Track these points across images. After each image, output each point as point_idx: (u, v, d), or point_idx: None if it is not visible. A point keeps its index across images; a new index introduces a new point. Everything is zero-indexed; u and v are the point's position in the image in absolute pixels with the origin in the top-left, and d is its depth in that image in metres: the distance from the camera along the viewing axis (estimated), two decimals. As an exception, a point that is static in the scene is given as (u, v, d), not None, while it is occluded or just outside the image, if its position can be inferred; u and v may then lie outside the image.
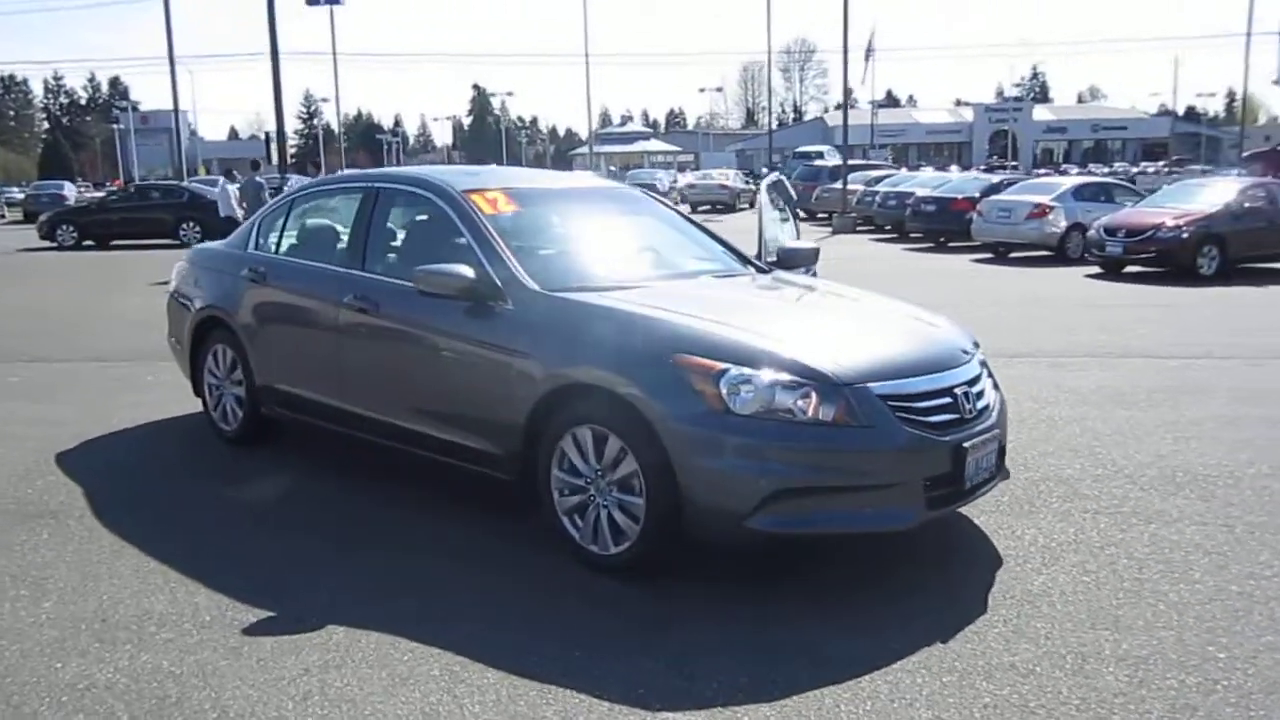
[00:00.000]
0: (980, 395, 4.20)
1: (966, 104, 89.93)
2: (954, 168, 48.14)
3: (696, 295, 4.64)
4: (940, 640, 3.54)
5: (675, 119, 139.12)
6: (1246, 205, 15.33)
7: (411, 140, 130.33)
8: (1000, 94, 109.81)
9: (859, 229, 27.10)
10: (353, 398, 5.10)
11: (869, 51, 53.85)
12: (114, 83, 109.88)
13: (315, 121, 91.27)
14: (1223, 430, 6.30)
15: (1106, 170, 53.29)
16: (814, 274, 6.12)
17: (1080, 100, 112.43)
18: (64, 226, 24.94)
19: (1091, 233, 16.08)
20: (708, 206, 37.54)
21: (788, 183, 7.39)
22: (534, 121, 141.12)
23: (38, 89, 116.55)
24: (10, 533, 4.66)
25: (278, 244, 5.88)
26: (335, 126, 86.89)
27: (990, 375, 4.44)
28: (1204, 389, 7.51)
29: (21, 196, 46.10)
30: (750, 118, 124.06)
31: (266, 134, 43.19)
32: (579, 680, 3.27)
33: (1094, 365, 8.47)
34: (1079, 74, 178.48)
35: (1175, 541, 4.46)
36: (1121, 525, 4.67)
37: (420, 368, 4.74)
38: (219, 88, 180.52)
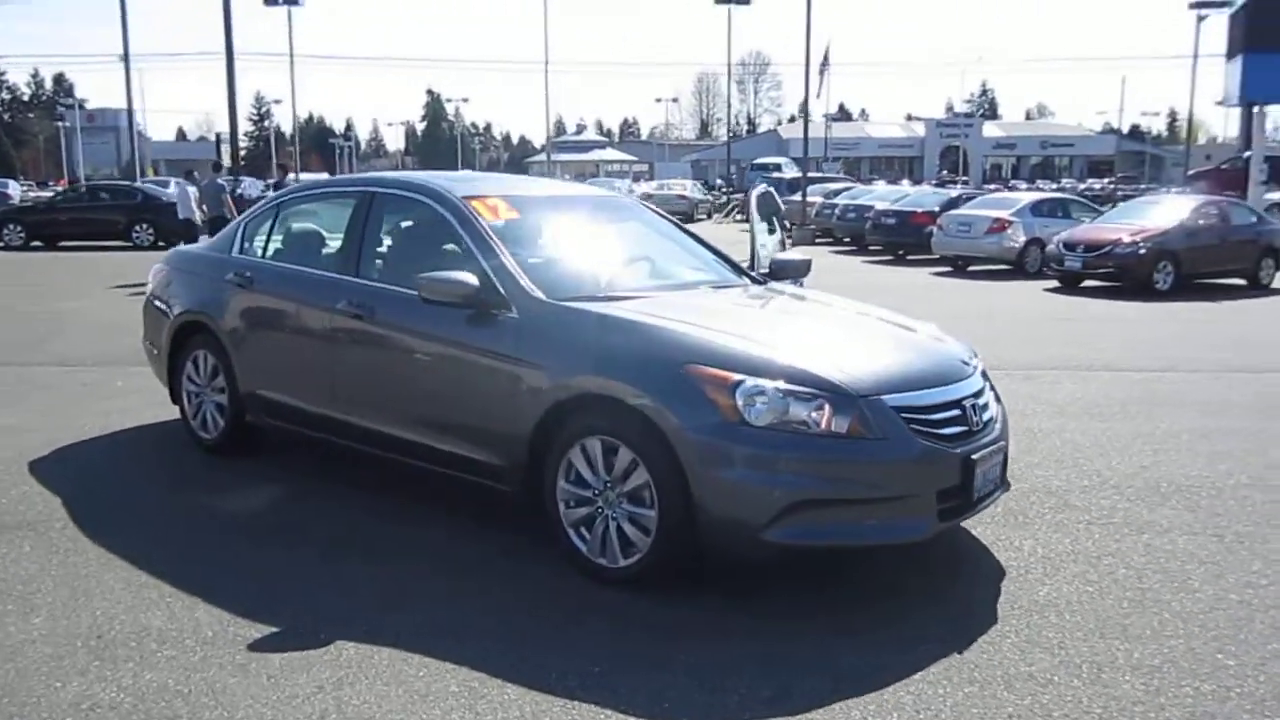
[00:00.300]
0: (985, 407, 4.24)
1: (918, 119, 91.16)
2: (905, 181, 48.77)
3: (701, 306, 4.63)
4: (957, 651, 3.55)
5: (629, 129, 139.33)
6: (1200, 222, 15.72)
7: (364, 145, 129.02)
8: (950, 110, 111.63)
9: (818, 241, 27.30)
10: (344, 406, 5.00)
11: (824, 66, 54.42)
12: (58, 79, 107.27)
13: (266, 124, 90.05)
14: (1198, 442, 6.43)
15: (1054, 186, 54.38)
16: (800, 285, 6.14)
17: (1028, 117, 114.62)
18: (11, 226, 24.28)
19: (1051, 247, 16.38)
20: (665, 216, 37.54)
21: (775, 195, 7.43)
22: (488, 128, 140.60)
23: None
24: (-11, 545, 4.50)
25: (265, 248, 5.76)
26: (289, 129, 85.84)
27: (992, 387, 4.47)
28: (1174, 401, 7.66)
29: (-39, 195, 44.83)
30: (704, 129, 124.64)
31: (218, 135, 42.41)
32: (601, 695, 3.22)
33: (1065, 378, 8.60)
34: (1027, 91, 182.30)
35: (1170, 551, 4.53)
36: (1115, 536, 4.73)
37: (418, 377, 4.66)
38: (166, 87, 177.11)
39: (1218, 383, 8.48)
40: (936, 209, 21.02)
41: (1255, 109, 29.59)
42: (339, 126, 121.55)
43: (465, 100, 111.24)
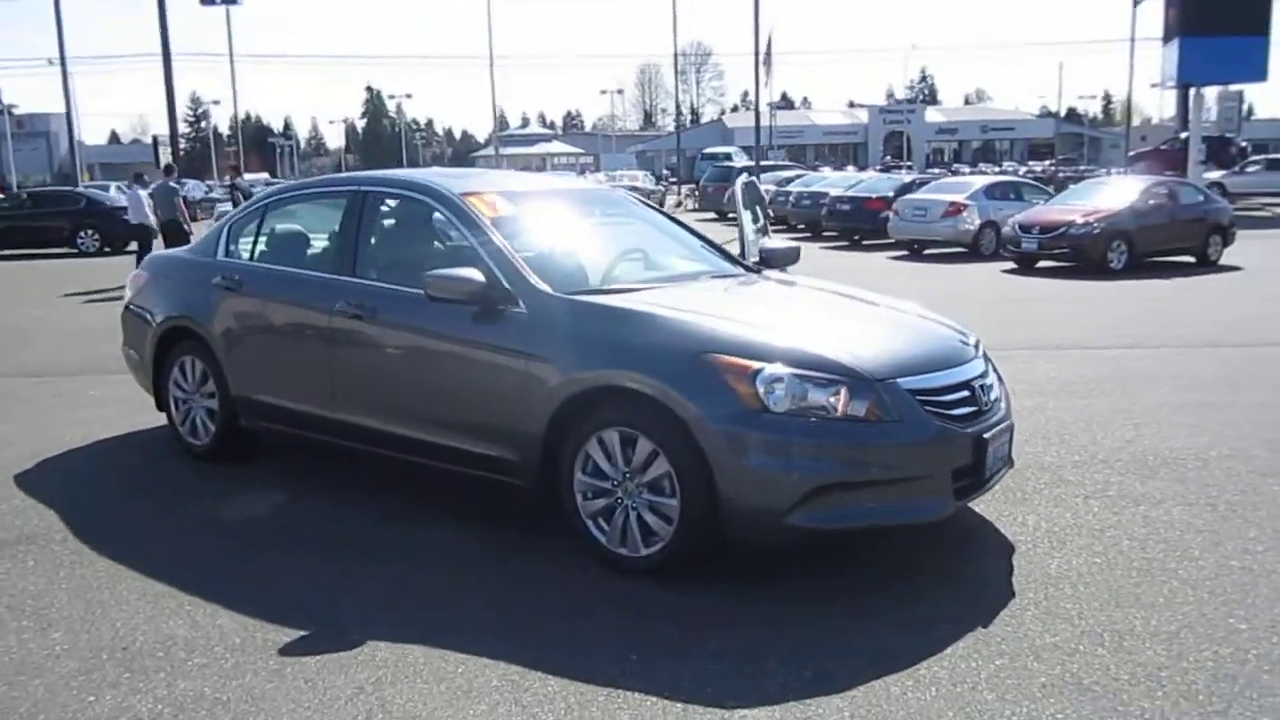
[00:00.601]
0: (991, 387, 4.33)
1: (860, 106, 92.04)
2: (850, 168, 49.24)
3: (708, 296, 4.67)
4: (981, 625, 3.64)
5: (573, 121, 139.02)
6: (1151, 202, 16.11)
7: (303, 144, 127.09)
8: (891, 96, 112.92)
9: (773, 229, 27.51)
10: (346, 407, 4.96)
11: (768, 55, 54.71)
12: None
13: (203, 125, 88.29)
14: (1175, 416, 6.61)
15: (996, 170, 55.23)
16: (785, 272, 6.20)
17: (967, 102, 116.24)
18: (-52, 237, 23.55)
19: (1007, 229, 16.67)
20: (618, 208, 37.52)
21: (758, 184, 7.50)
22: (429, 124, 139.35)
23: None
24: (-10, 561, 4.40)
25: (252, 250, 5.68)
26: (226, 130, 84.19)
27: (995, 368, 4.57)
28: (1145, 377, 7.86)
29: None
30: (648, 119, 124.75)
31: (155, 138, 41.59)
32: (644, 683, 3.25)
33: (1037, 357, 8.78)
34: (966, 77, 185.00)
35: (1167, 522, 4.67)
36: (1113, 508, 4.86)
37: (425, 375, 4.64)
38: (96, 90, 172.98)
39: (1183, 358, 8.71)
40: (891, 194, 21.30)
41: (1192, 91, 30.37)
42: (277, 126, 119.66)
43: (409, 96, 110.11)
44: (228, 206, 17.65)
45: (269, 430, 5.48)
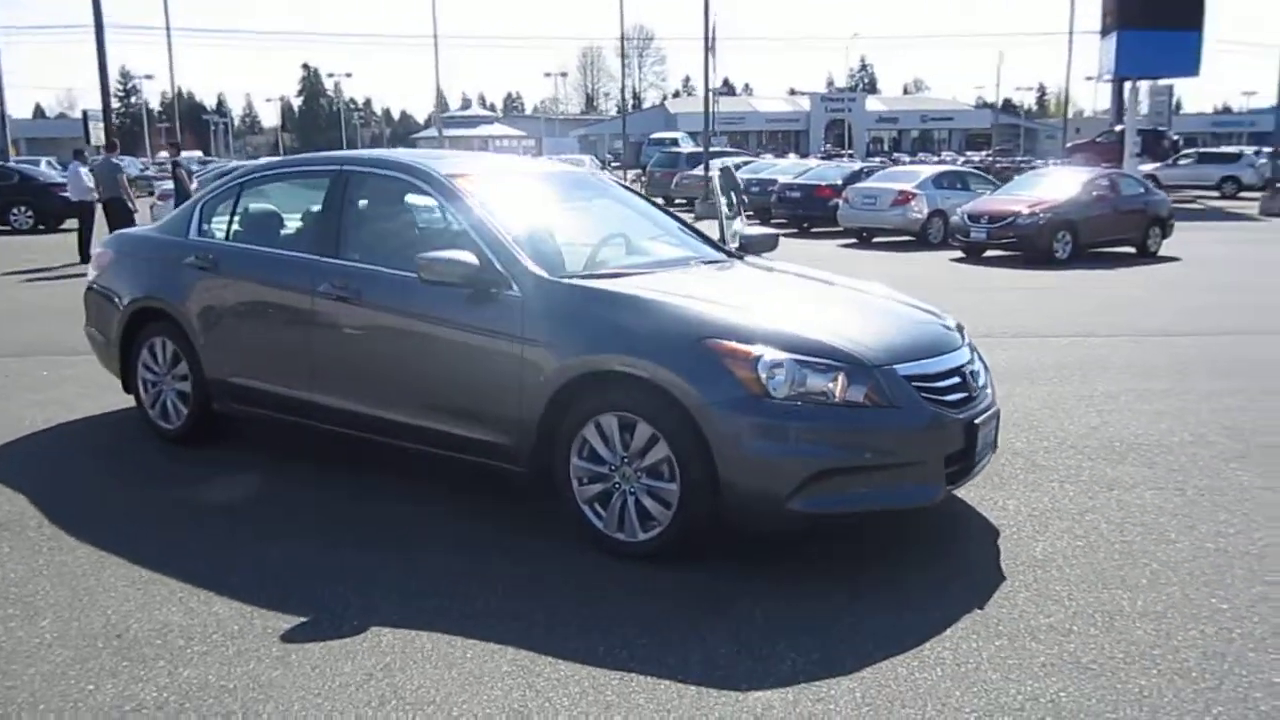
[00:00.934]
0: (978, 374, 4.42)
1: (802, 93, 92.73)
2: (792, 155, 49.57)
3: (702, 281, 4.68)
4: (977, 607, 3.72)
5: (513, 103, 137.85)
6: (1094, 194, 16.50)
7: (238, 121, 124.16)
8: (831, 84, 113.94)
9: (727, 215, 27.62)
10: (327, 390, 4.89)
11: (712, 41, 54.75)
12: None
13: (134, 100, 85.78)
14: (1136, 403, 6.81)
15: (935, 159, 56.05)
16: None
17: (906, 91, 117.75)
18: None
19: (955, 219, 16.95)
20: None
21: (734, 172, 7.54)
22: (368, 103, 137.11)
23: None
24: (-37, 548, 4.26)
25: (228, 230, 5.55)
26: (157, 105, 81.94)
27: (980, 355, 4.65)
28: (1101, 365, 8.08)
29: None
30: (590, 103, 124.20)
31: (85, 113, 40.33)
32: (653, 666, 3.27)
33: (994, 345, 8.91)
34: (905, 67, 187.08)
35: (1141, 506, 4.81)
36: (1088, 493, 4.99)
37: (413, 359, 4.59)
38: (17, 61, 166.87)
39: (1136, 347, 8.96)
40: (840, 182, 21.52)
41: (1129, 84, 31.15)
42: (210, 102, 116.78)
43: (349, 75, 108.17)
44: (169, 185, 17.15)
45: (244, 414, 5.38)
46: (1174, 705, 3.07)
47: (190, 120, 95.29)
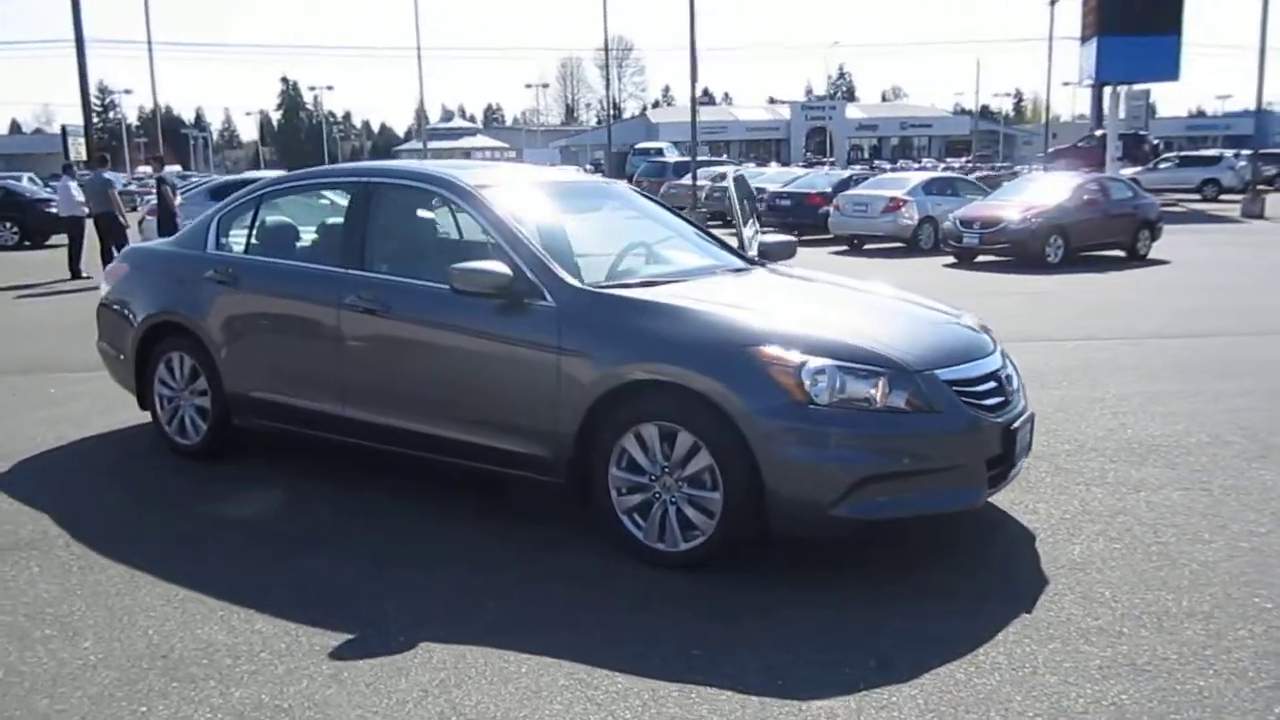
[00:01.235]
0: (1011, 378, 4.42)
1: (781, 102, 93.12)
2: (774, 164, 49.79)
3: (735, 289, 4.67)
4: (1025, 611, 3.72)
5: (493, 115, 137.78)
6: (1084, 198, 16.64)
7: (215, 135, 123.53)
8: (809, 92, 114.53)
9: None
10: (358, 405, 4.84)
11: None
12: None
13: (112, 115, 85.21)
14: (1148, 405, 6.84)
15: (916, 165, 56.44)
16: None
17: (884, 99, 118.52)
18: None
19: (947, 224, 17.05)
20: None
21: (747, 180, 7.56)
22: (347, 116, 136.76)
23: None
24: (-9, 569, 4.20)
25: (247, 243, 5.50)
26: (134, 120, 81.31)
27: (1011, 360, 4.66)
28: (1109, 368, 8.12)
29: None
30: (570, 113, 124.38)
31: (64, 128, 40.02)
32: (712, 676, 3.25)
33: (1000, 348, 8.99)
34: (883, 73, 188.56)
35: (1170, 507, 4.83)
36: (1116, 495, 5.01)
37: (445, 370, 4.56)
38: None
39: (1138, 350, 9.02)
40: (829, 190, 21.62)
41: (1110, 89, 31.46)
42: (188, 117, 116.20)
43: (330, 88, 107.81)
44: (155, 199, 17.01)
45: (267, 428, 5.32)
46: (1235, 705, 3.07)
47: (169, 135, 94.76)
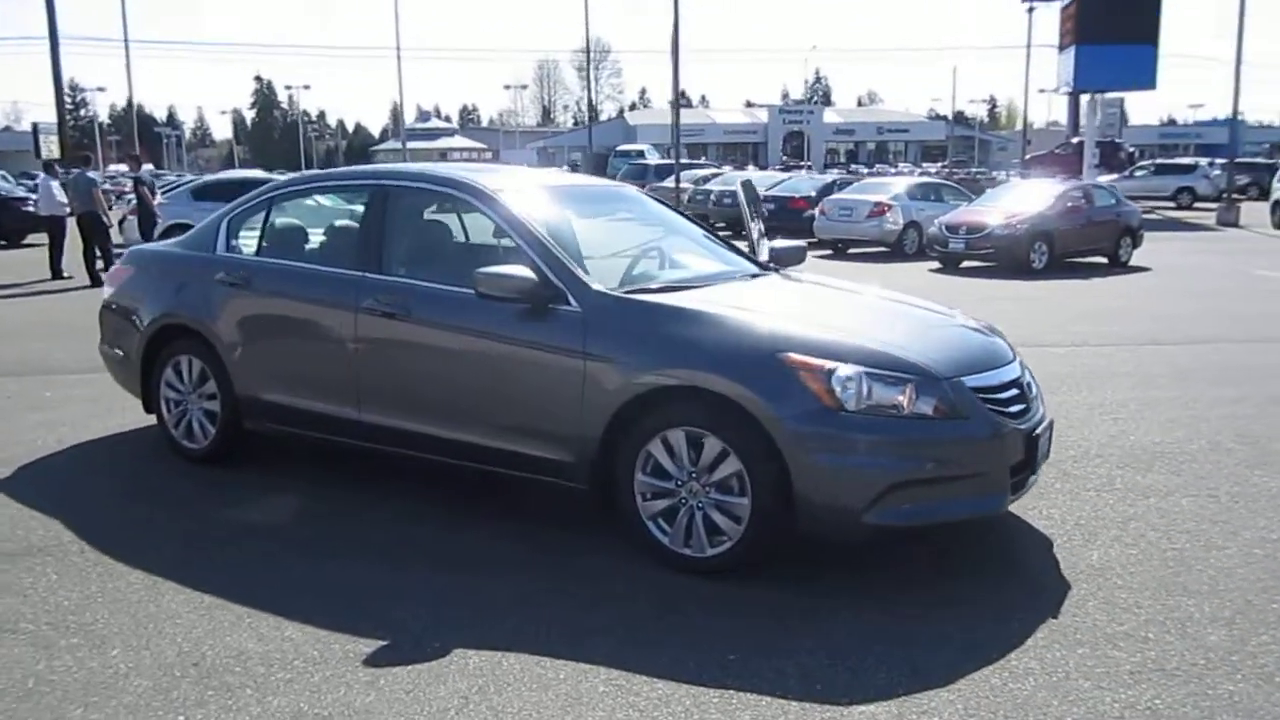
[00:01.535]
0: (1031, 385, 4.47)
1: (758, 105, 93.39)
2: (751, 167, 49.92)
3: (759, 295, 4.69)
4: (1051, 616, 3.76)
5: (469, 116, 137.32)
6: (1068, 205, 16.82)
7: (188, 134, 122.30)
8: (786, 96, 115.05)
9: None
10: (376, 409, 4.81)
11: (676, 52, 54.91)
12: None
13: (83, 112, 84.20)
14: (1146, 411, 6.93)
15: (894, 170, 56.80)
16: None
17: (860, 103, 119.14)
18: None
19: (933, 230, 17.17)
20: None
21: (754, 184, 7.58)
22: (321, 116, 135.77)
23: None
24: (5, 575, 4.13)
25: (259, 246, 5.46)
26: (105, 118, 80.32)
27: (1028, 368, 4.71)
28: (1104, 374, 8.21)
29: None
30: (546, 115, 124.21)
31: (35, 125, 39.51)
32: (750, 681, 3.27)
33: (994, 354, 9.06)
34: (859, 78, 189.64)
35: (1179, 513, 4.90)
36: (1126, 501, 5.07)
37: (468, 375, 4.54)
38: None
39: (1131, 356, 9.13)
40: (813, 194, 21.72)
41: (1085, 97, 31.81)
42: (160, 115, 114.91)
43: (307, 88, 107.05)
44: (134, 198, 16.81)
45: (280, 433, 5.28)
46: (1267, 710, 3.12)
47: (141, 133, 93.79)
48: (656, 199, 6.04)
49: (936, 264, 17.31)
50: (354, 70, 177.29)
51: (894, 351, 3.97)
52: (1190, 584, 4.06)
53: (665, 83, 40.24)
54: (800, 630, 3.63)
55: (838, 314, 4.57)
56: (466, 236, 5.21)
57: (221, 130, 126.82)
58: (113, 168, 52.92)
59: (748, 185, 6.85)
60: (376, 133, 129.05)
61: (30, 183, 26.63)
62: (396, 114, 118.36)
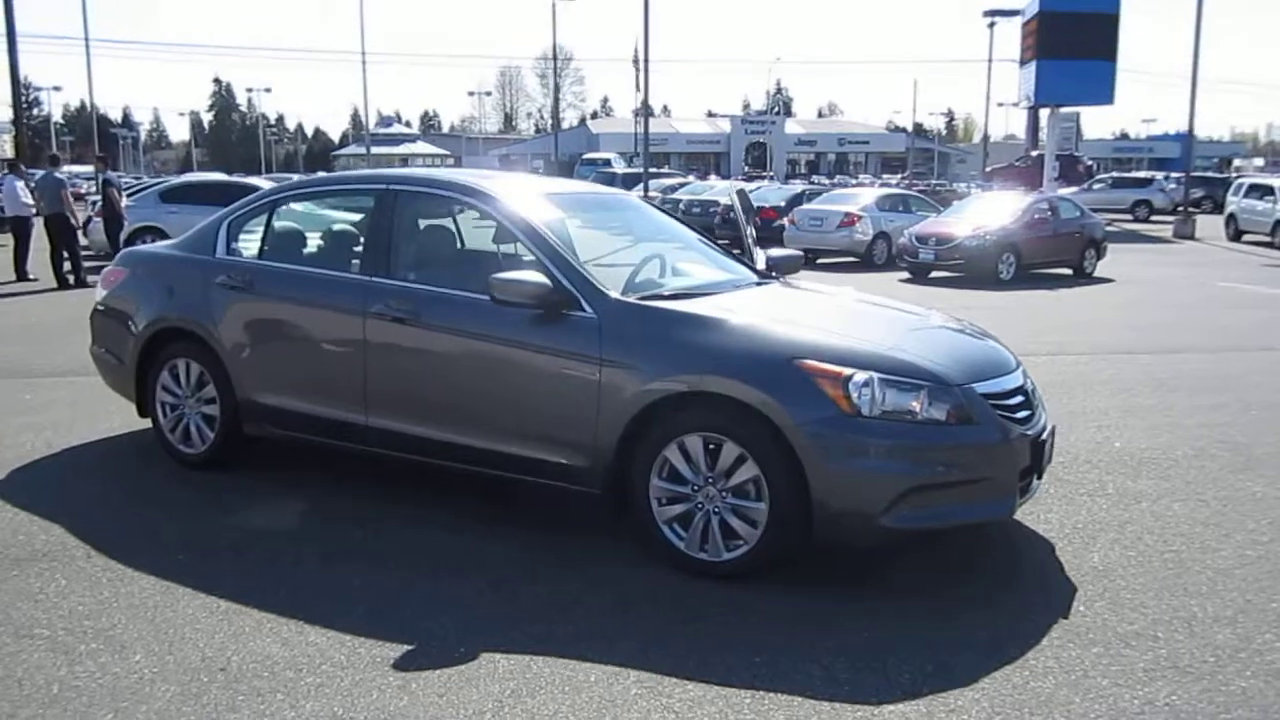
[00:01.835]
0: (1034, 392, 4.57)
1: (720, 116, 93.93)
2: (713, 176, 50.16)
3: (771, 302, 4.76)
4: (1063, 616, 3.85)
5: (430, 121, 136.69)
6: (1035, 217, 17.14)
7: (144, 135, 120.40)
8: (747, 107, 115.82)
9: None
10: (382, 413, 4.80)
11: (635, 61, 55.22)
12: None
13: (36, 112, 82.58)
14: (1128, 419, 7.09)
15: (854, 181, 57.37)
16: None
17: (821, 115, 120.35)
18: None
19: (903, 240, 17.40)
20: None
21: (747, 193, 7.66)
22: (280, 120, 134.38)
23: None
24: (15, 581, 4.08)
25: (260, 249, 5.42)
26: (59, 118, 78.88)
27: (1029, 375, 4.81)
28: (1083, 383, 8.39)
29: None
30: (508, 122, 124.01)
31: (-12, 123, 38.59)
32: (779, 683, 3.31)
33: (973, 362, 9.22)
34: (818, 90, 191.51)
35: (1172, 517, 5.03)
36: (1120, 505, 5.20)
37: (481, 380, 4.55)
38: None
39: (1108, 365, 9.32)
40: (783, 204, 21.90)
41: (1045, 111, 32.39)
42: (115, 115, 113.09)
43: (268, 90, 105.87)
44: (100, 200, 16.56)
45: (282, 437, 5.25)
46: (1279, 706, 3.22)
47: (96, 134, 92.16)
48: (659, 207, 6.09)
49: (906, 274, 17.53)
50: (313, 74, 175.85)
51: (908, 358, 4.05)
52: (1191, 585, 4.18)
53: (628, 92, 40.53)
54: (820, 633, 3.69)
55: (848, 321, 4.64)
56: (470, 242, 5.22)
57: (179, 132, 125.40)
58: (68, 168, 51.98)
59: (741, 194, 6.91)
60: (336, 138, 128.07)
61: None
62: (357, 119, 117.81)
